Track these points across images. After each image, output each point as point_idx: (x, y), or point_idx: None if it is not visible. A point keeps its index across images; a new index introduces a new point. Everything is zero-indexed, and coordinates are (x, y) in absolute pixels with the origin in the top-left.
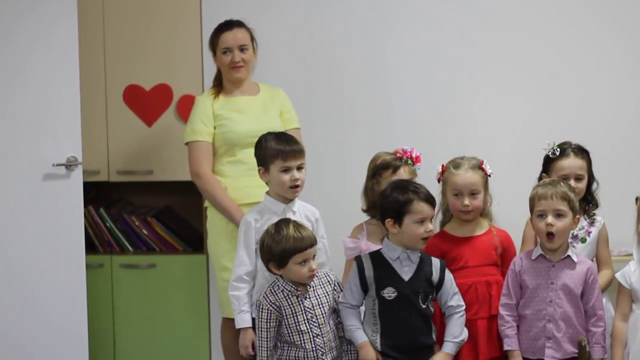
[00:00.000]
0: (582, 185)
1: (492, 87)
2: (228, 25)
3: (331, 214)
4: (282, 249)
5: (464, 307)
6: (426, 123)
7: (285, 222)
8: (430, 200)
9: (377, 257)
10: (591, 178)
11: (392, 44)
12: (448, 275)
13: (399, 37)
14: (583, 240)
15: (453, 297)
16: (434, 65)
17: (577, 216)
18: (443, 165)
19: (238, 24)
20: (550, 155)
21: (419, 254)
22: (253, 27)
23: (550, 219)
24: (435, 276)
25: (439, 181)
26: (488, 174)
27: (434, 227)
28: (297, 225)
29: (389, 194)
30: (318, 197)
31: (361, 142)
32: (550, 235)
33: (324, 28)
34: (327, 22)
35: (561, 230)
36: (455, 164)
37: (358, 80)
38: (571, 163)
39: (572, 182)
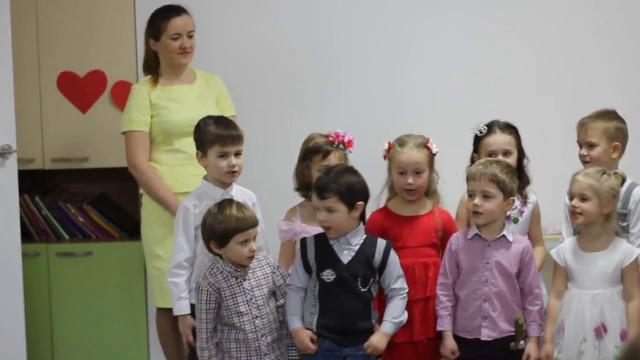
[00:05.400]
0: (511, 160)
1: (438, 68)
2: (176, 10)
3: (267, 198)
4: (225, 228)
5: (406, 290)
6: (363, 104)
7: (228, 201)
8: (318, 189)
9: (320, 239)
10: (521, 154)
11: (330, 29)
12: (393, 257)
13: (338, 21)
14: (515, 221)
15: (397, 280)
16: (375, 48)
17: (512, 197)
18: (390, 142)
19: (184, 9)
20: (478, 134)
21: (364, 236)
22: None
23: (477, 199)
24: (378, 258)
25: (385, 158)
26: (433, 152)
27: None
28: (240, 205)
29: None
30: (255, 181)
31: (297, 126)
32: (476, 212)
33: (261, 14)
34: (266, 8)
35: (488, 211)
36: (401, 141)
37: (293, 64)
38: (498, 139)
39: (500, 158)
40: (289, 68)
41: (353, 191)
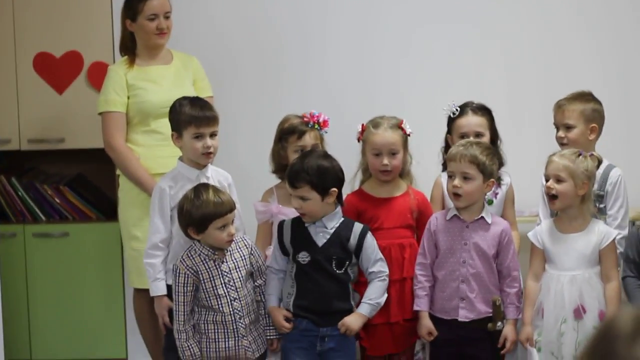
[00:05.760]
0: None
1: (413, 50)
2: None
3: (245, 179)
4: (202, 213)
5: (386, 273)
6: (341, 86)
7: (204, 186)
8: (290, 179)
9: (297, 222)
10: (494, 136)
11: (309, 9)
12: (370, 241)
13: (317, 1)
14: (490, 203)
15: (375, 264)
16: (351, 31)
17: (492, 179)
18: (363, 124)
19: None
20: (451, 115)
21: (341, 219)
22: None
23: (457, 181)
24: (353, 242)
25: (358, 140)
26: (407, 133)
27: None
28: (217, 190)
29: None
30: (233, 162)
31: (275, 107)
32: (456, 194)
33: None
34: None
35: (467, 193)
36: (375, 123)
37: (272, 45)
38: (469, 121)
39: (472, 139)
40: (268, 49)
41: (325, 178)
